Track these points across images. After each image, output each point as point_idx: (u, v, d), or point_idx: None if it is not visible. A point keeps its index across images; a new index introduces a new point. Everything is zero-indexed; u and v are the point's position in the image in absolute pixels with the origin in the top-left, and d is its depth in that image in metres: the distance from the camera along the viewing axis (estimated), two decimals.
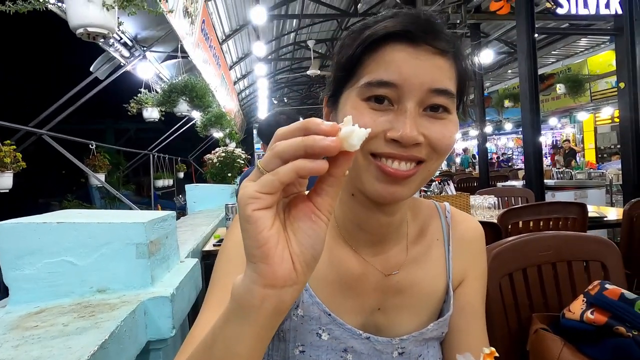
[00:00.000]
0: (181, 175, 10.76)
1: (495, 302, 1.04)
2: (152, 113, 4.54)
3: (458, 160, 14.60)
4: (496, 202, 2.43)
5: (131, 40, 4.26)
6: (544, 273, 1.11)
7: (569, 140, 12.56)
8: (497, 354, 0.36)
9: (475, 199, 2.47)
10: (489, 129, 15.20)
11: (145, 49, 4.41)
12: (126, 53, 4.25)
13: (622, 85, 4.00)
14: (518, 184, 5.26)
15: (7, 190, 2.84)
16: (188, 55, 4.31)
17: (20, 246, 1.03)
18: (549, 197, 4.33)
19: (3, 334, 0.84)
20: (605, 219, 2.28)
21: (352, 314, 0.62)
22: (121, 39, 4.08)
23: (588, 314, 0.84)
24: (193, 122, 6.72)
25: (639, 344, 0.76)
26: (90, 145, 4.81)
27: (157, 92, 4.64)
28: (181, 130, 8.49)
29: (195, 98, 4.16)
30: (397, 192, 0.53)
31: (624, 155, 4.05)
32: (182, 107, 4.24)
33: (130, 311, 0.95)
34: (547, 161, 13.78)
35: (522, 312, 1.08)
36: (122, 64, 4.33)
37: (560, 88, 7.58)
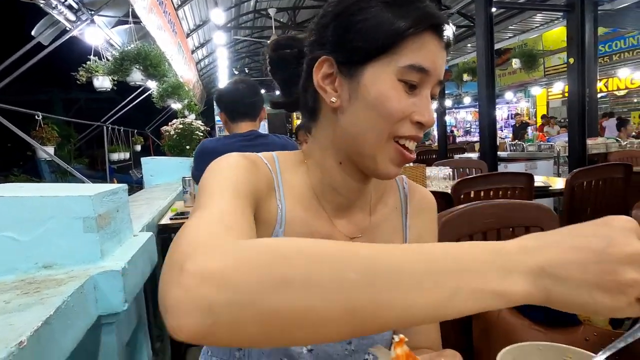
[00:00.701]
0: (138, 148, 10.40)
1: None
2: (103, 82, 4.30)
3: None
4: (451, 174, 2.52)
5: (77, 3, 3.96)
6: (488, 239, 1.17)
7: (520, 114, 13.07)
8: (407, 339, 0.37)
9: (432, 171, 2.55)
10: (448, 102, 15.54)
11: (92, 12, 4.12)
12: (72, 17, 3.96)
13: (571, 60, 4.17)
14: (474, 156, 5.45)
15: None
16: (140, 20, 4.08)
17: None
18: (502, 168, 4.52)
19: None
20: (550, 188, 2.42)
21: None
22: (65, 0, 3.79)
23: None
24: (149, 92, 6.44)
25: None
26: (36, 116, 4.52)
27: (108, 59, 4.38)
28: (137, 101, 8.12)
29: (149, 67, 3.97)
30: (399, 172, 0.61)
31: (570, 129, 4.27)
32: (136, 76, 4.04)
33: (78, 286, 0.92)
34: (502, 134, 14.33)
35: None
36: (67, 29, 4.04)
37: (515, 63, 7.81)
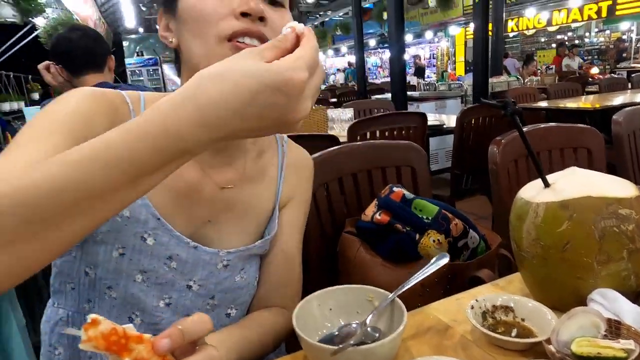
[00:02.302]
0: (36, 96, 9.24)
1: (309, 213, 1.09)
2: None
3: (341, 75, 14.80)
4: (353, 115, 2.52)
5: None
6: (359, 180, 1.18)
7: (419, 57, 13.44)
8: (101, 318, 0.34)
9: (333, 112, 2.53)
10: (372, 42, 15.49)
11: None
12: None
13: None
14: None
15: None
16: None
17: None
18: (414, 108, 4.65)
19: None
20: (444, 126, 2.53)
21: (182, 222, 0.61)
22: None
23: (377, 215, 0.92)
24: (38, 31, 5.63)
25: (410, 237, 0.86)
26: None
27: None
28: (27, 42, 7.08)
29: (21, 0, 3.41)
30: None
31: (475, 67, 4.45)
32: (6, 12, 3.47)
33: None
34: (428, 71, 14.76)
35: (338, 218, 1.15)
36: None
37: (432, 1, 7.85)
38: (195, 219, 0.64)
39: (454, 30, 13.62)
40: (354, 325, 0.53)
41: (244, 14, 0.54)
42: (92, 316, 0.33)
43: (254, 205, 0.69)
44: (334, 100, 6.17)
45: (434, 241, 0.86)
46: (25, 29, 6.37)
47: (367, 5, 10.15)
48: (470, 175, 2.40)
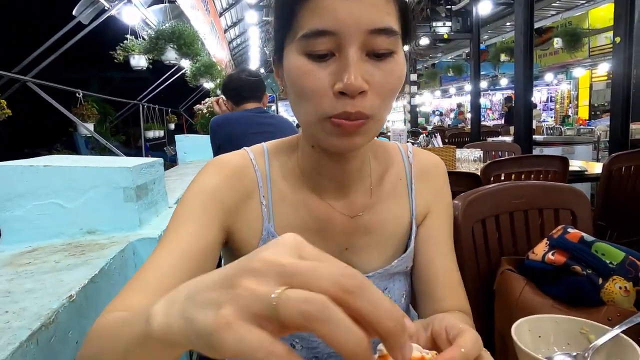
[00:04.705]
0: (172, 126, 10.66)
1: (467, 247, 1.10)
2: (139, 61, 4.42)
3: (452, 115, 14.53)
4: (481, 156, 2.47)
5: None
6: (515, 220, 1.16)
7: (510, 98, 12.51)
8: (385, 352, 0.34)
9: (462, 152, 2.51)
10: (484, 84, 15.02)
11: None
12: None
13: (617, 40, 3.94)
14: (509, 139, 5.29)
15: None
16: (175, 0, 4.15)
17: (8, 188, 1.05)
18: (537, 152, 4.38)
19: None
20: (586, 172, 2.34)
21: None
22: None
23: (549, 255, 0.90)
24: (182, 72, 6.57)
25: (592, 281, 0.82)
26: (77, 94, 4.71)
27: (144, 39, 4.49)
28: (171, 81, 8.29)
29: (183, 45, 4.04)
30: (353, 142, 0.53)
31: (613, 112, 4.06)
32: (170, 55, 4.13)
33: (119, 250, 1.00)
34: (544, 115, 13.84)
35: (493, 256, 1.14)
36: (106, 8, 4.15)
37: (557, 42, 7.43)
38: (333, 250, 0.65)
39: (578, 72, 12.64)
40: (572, 355, 0.53)
41: (342, 94, 0.49)
42: (381, 349, 0.34)
43: (388, 225, 0.68)
44: (446, 140, 6.07)
45: (620, 288, 0.81)
46: (171, 70, 7.48)
47: (481, 47, 9.96)
48: (616, 229, 2.17)
